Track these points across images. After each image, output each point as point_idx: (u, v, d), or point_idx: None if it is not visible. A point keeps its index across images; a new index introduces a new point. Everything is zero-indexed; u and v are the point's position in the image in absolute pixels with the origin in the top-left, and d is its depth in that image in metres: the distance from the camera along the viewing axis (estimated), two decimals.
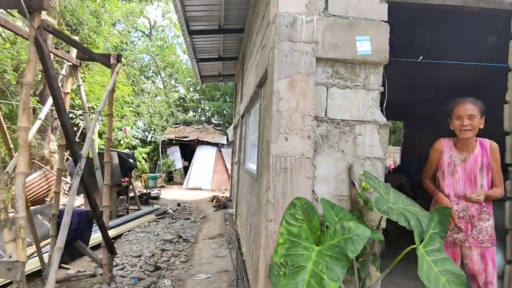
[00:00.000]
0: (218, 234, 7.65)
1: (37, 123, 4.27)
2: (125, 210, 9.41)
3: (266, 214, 2.83)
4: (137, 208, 10.16)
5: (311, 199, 2.80)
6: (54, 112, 12.55)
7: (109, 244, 4.38)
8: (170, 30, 28.76)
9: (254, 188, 4.64)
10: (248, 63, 6.98)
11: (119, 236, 7.13)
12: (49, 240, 4.76)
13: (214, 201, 11.82)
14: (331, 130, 2.93)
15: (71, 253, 4.51)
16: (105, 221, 4.38)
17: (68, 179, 10.55)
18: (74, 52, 4.50)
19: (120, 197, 9.26)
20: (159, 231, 7.69)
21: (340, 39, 2.91)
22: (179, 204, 11.59)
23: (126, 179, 9.65)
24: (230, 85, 28.59)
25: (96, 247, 5.53)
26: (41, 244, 4.83)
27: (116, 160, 8.70)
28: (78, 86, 4.68)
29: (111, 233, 6.81)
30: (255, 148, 5.29)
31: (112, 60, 4.63)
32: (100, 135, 13.15)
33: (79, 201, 9.55)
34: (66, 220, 3.25)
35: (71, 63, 4.47)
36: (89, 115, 4.78)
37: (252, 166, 5.65)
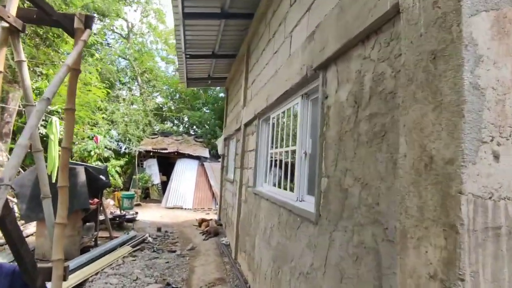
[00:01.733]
0: (218, 278, 5.80)
1: None
2: (93, 241, 7.39)
3: None
4: (108, 235, 8.13)
5: None
6: (6, 114, 10.38)
7: None
8: (149, 35, 27.00)
9: (302, 234, 2.94)
10: (264, 50, 5.34)
11: (82, 283, 5.16)
12: None
13: (203, 226, 9.91)
14: None
15: None
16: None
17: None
18: (12, 5, 2.68)
19: (87, 224, 7.24)
20: (137, 273, 5.76)
21: None
22: (159, 229, 9.63)
23: (96, 200, 7.65)
24: (212, 94, 27.03)
25: None
26: None
27: (82, 177, 6.73)
28: (18, 62, 2.85)
29: (71, 281, 4.85)
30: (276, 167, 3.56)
31: (77, 23, 2.86)
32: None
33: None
34: None
35: (6, 24, 2.64)
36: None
37: (287, 195, 3.92)
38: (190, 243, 8.31)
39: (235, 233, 6.97)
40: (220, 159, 21.62)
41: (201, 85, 13.19)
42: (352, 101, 2.23)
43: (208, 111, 25.51)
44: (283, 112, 4.35)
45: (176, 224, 10.96)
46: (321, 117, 2.76)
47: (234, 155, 8.52)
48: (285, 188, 4.09)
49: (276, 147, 4.53)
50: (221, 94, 27.28)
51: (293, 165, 3.79)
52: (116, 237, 8.02)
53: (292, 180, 4.52)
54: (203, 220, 10.29)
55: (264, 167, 5.50)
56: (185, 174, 16.46)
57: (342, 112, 2.39)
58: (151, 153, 17.78)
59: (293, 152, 3.79)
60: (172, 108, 26.40)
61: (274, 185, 4.69)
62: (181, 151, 17.81)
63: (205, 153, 19.09)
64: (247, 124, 6.84)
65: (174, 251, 7.53)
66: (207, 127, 23.60)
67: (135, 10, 36.20)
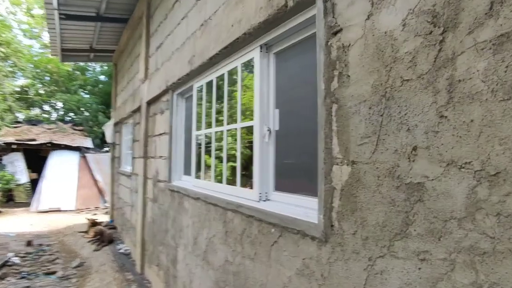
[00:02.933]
0: None
1: None
2: None
3: None
4: None
5: None
6: None
7: None
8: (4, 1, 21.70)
9: (288, 254, 1.87)
10: (178, 1, 3.95)
11: None
12: None
13: (92, 232, 7.93)
14: None
15: None
16: None
17: None
18: None
19: None
20: None
21: None
22: (29, 243, 7.38)
23: None
24: (92, 76, 23.34)
25: None
26: None
27: None
28: None
29: None
30: None
31: None
32: None
33: None
34: None
35: None
36: None
37: (238, 192, 2.73)
38: (77, 258, 6.43)
39: (139, 239, 5.47)
40: (107, 149, 18.84)
41: (81, 59, 10.70)
42: (425, 22, 1.21)
43: (87, 95, 21.93)
44: (219, 77, 3.13)
45: (54, 233, 8.67)
46: (324, 66, 1.68)
47: (132, 142, 6.85)
48: (231, 183, 2.92)
49: (210, 126, 3.30)
50: (102, 77, 23.86)
51: (240, 149, 2.65)
52: None
53: (246, 172, 3.35)
54: (92, 224, 8.25)
55: (183, 156, 4.19)
56: (62, 168, 13.55)
57: (388, 50, 1.36)
58: (14, 146, 14.16)
59: (248, 131, 2.65)
60: (41, 91, 21.93)
61: (209, 178, 3.46)
62: (55, 142, 14.70)
63: (87, 143, 16.24)
64: (151, 102, 5.34)
65: (54, 273, 5.64)
66: (86, 114, 20.27)
67: None
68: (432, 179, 1.19)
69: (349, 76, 1.55)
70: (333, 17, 1.64)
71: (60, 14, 6.52)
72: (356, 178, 1.49)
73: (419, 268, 1.23)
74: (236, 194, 2.66)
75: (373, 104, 1.43)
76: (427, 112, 1.21)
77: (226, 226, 2.70)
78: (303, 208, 2.01)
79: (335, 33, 1.64)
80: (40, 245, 7.46)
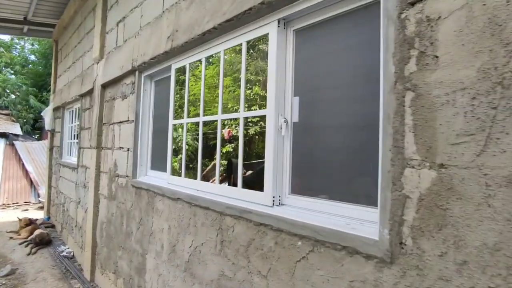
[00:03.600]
0: None
1: None
2: None
3: None
4: None
5: None
6: None
7: None
8: None
9: (322, 273, 1.52)
10: None
11: None
12: None
13: (24, 232, 6.86)
14: None
15: None
16: None
17: None
18: None
19: None
20: None
21: None
22: None
23: None
24: (21, 54, 20.76)
25: None
26: None
27: None
28: None
29: None
30: None
31: None
32: None
33: None
34: None
35: None
36: None
37: (241, 195, 2.28)
38: (7, 264, 5.46)
39: (88, 242, 4.77)
40: (38, 137, 16.88)
41: (12, 32, 9.16)
42: None
43: (13, 76, 19.46)
44: (207, 58, 2.66)
45: None
46: (395, 44, 1.34)
47: (79, 130, 5.99)
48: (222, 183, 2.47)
49: (196, 115, 2.81)
50: (32, 57, 21.41)
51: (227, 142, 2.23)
52: None
53: (228, 173, 2.88)
54: (27, 223, 7.14)
55: (151, 148, 3.64)
56: None
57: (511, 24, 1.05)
58: None
59: (256, 121, 2.23)
60: None
61: (190, 175, 2.97)
62: None
63: (15, 129, 14.39)
64: (108, 85, 4.63)
65: None
66: (13, 96, 17.98)
67: None
68: None
69: (436, 57, 1.23)
70: None
71: None
72: (446, 186, 1.18)
73: None
74: (239, 197, 2.24)
75: (479, 93, 1.11)
76: None
77: (223, 234, 2.27)
78: (339, 218, 1.66)
79: (413, 3, 1.31)
80: None
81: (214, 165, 6.55)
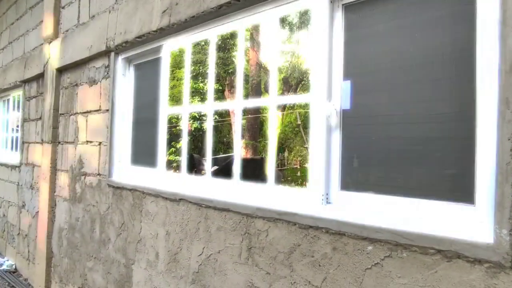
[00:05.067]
0: None
1: None
2: None
3: None
4: None
5: None
6: None
7: None
8: None
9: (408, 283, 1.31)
10: None
11: None
12: None
13: None
14: None
15: None
16: None
17: None
18: None
19: None
20: None
21: None
22: None
23: None
24: None
25: None
26: None
27: None
28: None
29: None
30: None
31: None
32: None
33: None
34: None
35: None
36: None
37: (271, 193, 1.97)
38: None
39: (41, 253, 4.09)
40: None
41: None
42: None
43: None
44: (221, 36, 2.30)
45: None
46: None
47: (22, 121, 5.13)
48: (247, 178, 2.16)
49: (201, 101, 2.43)
50: None
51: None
52: None
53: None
54: None
55: (133, 141, 3.16)
56: None
57: None
58: None
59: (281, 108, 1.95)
60: None
61: (192, 171, 2.58)
62: None
63: None
64: (67, 68, 3.97)
65: None
66: None
67: None
68: None
69: None
70: None
71: None
72: None
73: None
74: (270, 196, 1.94)
75: None
76: None
77: (251, 239, 1.96)
78: (417, 218, 1.46)
79: None
80: None
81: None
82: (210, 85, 2.37)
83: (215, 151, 12.43)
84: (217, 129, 14.17)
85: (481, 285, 1.22)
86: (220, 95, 11.97)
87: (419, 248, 1.36)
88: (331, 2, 1.78)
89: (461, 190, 1.39)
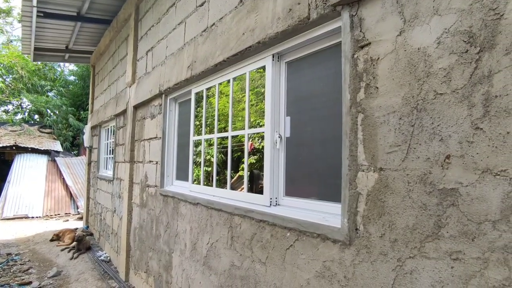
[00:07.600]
0: None
1: None
2: None
3: None
4: None
5: None
6: None
7: None
8: None
9: (305, 257, 1.94)
10: (175, 6, 3.94)
11: None
12: None
13: (66, 239, 7.61)
14: None
15: None
16: None
17: None
18: None
19: None
20: None
21: None
22: None
23: None
24: (61, 76, 22.42)
25: None
26: None
27: None
28: None
29: None
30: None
31: None
32: None
33: None
34: None
35: None
36: None
37: (245, 198, 2.76)
38: (52, 266, 6.15)
39: (123, 246, 5.34)
40: (76, 153, 18.13)
41: (55, 60, 10.25)
42: (461, 42, 1.33)
43: (56, 96, 20.98)
44: (222, 84, 3.17)
45: (22, 241, 8.23)
46: (350, 77, 1.77)
47: (114, 146, 6.69)
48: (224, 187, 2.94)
49: (212, 132, 3.32)
50: (72, 77, 22.99)
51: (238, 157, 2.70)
52: None
53: (251, 183, 3.40)
54: (65, 232, 7.94)
55: (175, 161, 4.17)
56: (29, 173, 12.94)
57: (421, 65, 1.46)
58: None
59: (260, 137, 2.69)
60: (5, 90, 20.78)
61: (207, 183, 3.46)
62: (21, 145, 14.04)
63: (56, 146, 15.62)
64: (139, 106, 5.26)
65: (29, 283, 5.36)
66: (54, 116, 19.32)
67: None
68: (467, 185, 1.29)
69: (377, 88, 1.65)
70: (361, 31, 1.74)
71: (38, 12, 6.30)
72: (384, 184, 1.58)
73: (452, 267, 1.32)
74: (245, 199, 2.70)
75: (404, 115, 1.53)
76: (461, 124, 1.32)
77: (232, 231, 2.72)
78: (318, 213, 2.08)
79: (362, 47, 1.74)
80: (9, 254, 7.07)
81: (239, 176, 7.04)
82: (216, 117, 3.25)
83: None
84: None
85: (337, 257, 1.81)
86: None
87: (310, 233, 1.98)
88: (278, 60, 2.51)
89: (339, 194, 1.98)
